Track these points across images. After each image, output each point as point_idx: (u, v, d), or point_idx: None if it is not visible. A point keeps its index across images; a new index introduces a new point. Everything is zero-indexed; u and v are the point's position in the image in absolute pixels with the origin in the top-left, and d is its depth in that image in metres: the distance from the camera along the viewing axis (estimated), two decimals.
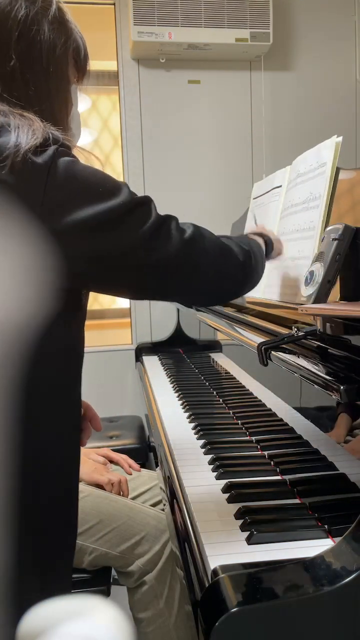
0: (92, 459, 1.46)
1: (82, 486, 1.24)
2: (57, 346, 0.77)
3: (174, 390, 1.64)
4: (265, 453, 1.04)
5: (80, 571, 1.23)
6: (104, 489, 1.31)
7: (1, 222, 0.67)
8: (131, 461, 1.50)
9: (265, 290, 1.26)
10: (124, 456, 1.50)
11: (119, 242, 0.72)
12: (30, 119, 0.73)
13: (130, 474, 1.46)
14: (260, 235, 1.03)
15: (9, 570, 0.73)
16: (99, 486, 1.31)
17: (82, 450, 1.44)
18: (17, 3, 0.77)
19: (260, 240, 1.00)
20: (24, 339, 0.72)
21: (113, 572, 1.33)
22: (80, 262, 0.72)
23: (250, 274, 0.88)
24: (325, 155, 1.13)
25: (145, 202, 0.76)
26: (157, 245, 0.74)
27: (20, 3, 0.77)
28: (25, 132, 0.70)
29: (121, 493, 1.34)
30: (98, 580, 1.24)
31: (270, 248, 1.04)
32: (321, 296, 0.93)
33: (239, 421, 1.25)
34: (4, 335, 0.71)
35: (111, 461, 1.49)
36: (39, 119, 0.74)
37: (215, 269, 0.81)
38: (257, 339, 1.15)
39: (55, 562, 0.82)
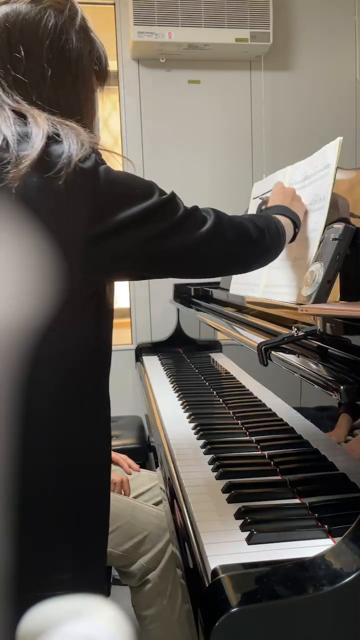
0: None
1: None
2: (88, 342, 0.80)
3: (174, 390, 1.64)
4: (265, 453, 1.04)
5: None
6: None
7: (54, 228, 0.70)
8: (130, 461, 1.50)
9: (266, 290, 1.26)
10: (124, 456, 1.50)
11: (157, 234, 0.77)
12: (76, 128, 0.76)
13: (130, 474, 1.46)
14: (288, 215, 1.06)
15: (9, 570, 0.73)
16: None
17: None
18: (46, 12, 0.78)
19: (285, 221, 1.03)
20: (64, 338, 0.76)
21: (114, 572, 1.33)
22: (127, 256, 0.77)
23: (262, 252, 0.93)
24: (330, 157, 1.13)
25: (173, 198, 0.82)
26: (186, 232, 0.80)
27: (49, 12, 0.79)
28: (75, 142, 0.73)
29: (122, 492, 1.34)
30: None
31: (298, 224, 1.08)
32: (321, 296, 0.93)
33: (239, 421, 1.25)
34: (49, 335, 0.73)
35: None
36: (81, 128, 0.77)
37: (233, 249, 0.87)
38: (257, 339, 1.15)
39: (92, 555, 0.83)
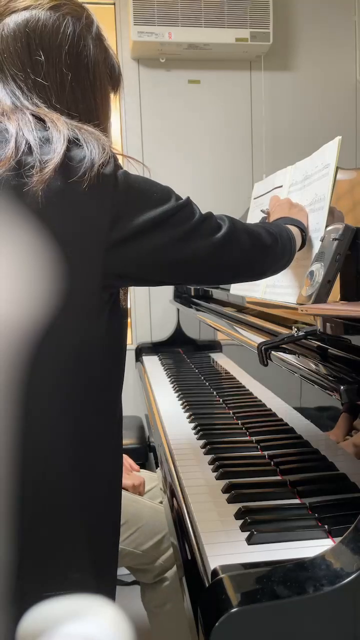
0: None
1: None
2: (104, 343, 0.80)
3: (174, 390, 1.64)
4: (266, 453, 1.04)
5: None
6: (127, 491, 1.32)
7: (76, 232, 0.71)
8: (131, 461, 1.50)
9: (267, 290, 1.26)
10: (125, 456, 1.51)
11: (174, 238, 0.78)
12: (95, 133, 0.77)
13: (130, 473, 1.46)
14: (297, 225, 1.07)
15: (9, 570, 0.73)
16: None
17: None
18: (64, 19, 0.80)
19: (294, 229, 1.04)
20: (81, 340, 0.76)
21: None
22: (144, 261, 0.77)
23: (276, 259, 0.94)
24: (329, 156, 1.13)
25: (189, 203, 0.83)
26: (202, 238, 0.81)
27: (67, 19, 0.80)
28: (96, 147, 0.74)
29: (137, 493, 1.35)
30: None
31: (306, 231, 1.09)
32: (321, 296, 0.93)
33: (239, 421, 1.25)
34: (60, 337, 0.73)
35: None
36: (100, 132, 0.78)
37: (248, 256, 0.88)
38: (257, 339, 1.15)
39: (105, 556, 0.83)
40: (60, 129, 0.74)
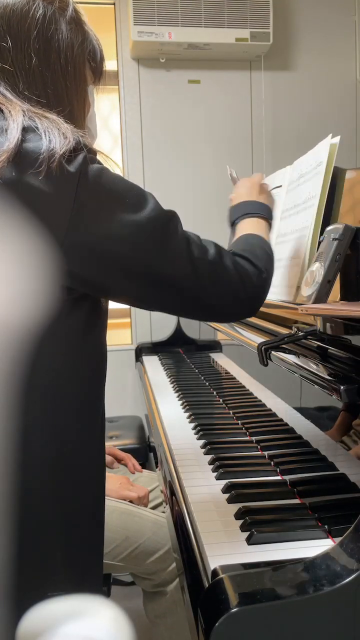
0: (111, 476, 1.45)
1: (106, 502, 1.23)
2: (81, 351, 0.77)
3: (174, 390, 1.64)
4: (266, 453, 1.04)
5: None
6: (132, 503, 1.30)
7: (30, 229, 0.66)
8: (134, 461, 1.50)
9: None
10: (129, 456, 1.50)
11: (140, 254, 0.72)
12: (55, 121, 0.72)
13: (134, 473, 1.46)
14: (263, 216, 0.98)
15: (9, 570, 0.73)
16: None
17: None
18: (34, 3, 0.77)
19: (264, 226, 0.96)
20: (52, 344, 0.73)
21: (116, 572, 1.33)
22: (101, 271, 0.72)
23: (260, 296, 0.85)
24: (322, 155, 1.13)
25: (171, 218, 0.76)
26: (178, 261, 0.74)
27: (37, 3, 0.78)
28: (56, 135, 0.69)
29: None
30: None
31: (270, 217, 1.00)
32: (321, 296, 0.93)
33: (239, 421, 1.25)
34: (29, 342, 0.70)
35: (117, 460, 1.48)
36: (62, 120, 0.74)
37: (229, 291, 0.79)
38: (257, 339, 1.15)
39: (87, 560, 0.82)
40: (15, 117, 0.70)
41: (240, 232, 0.94)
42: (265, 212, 0.99)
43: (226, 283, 0.78)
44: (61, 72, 0.79)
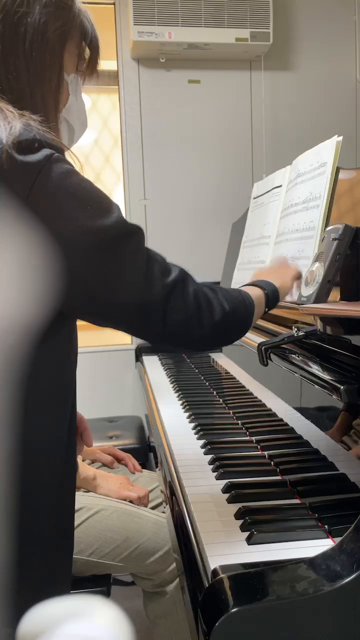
0: (97, 458, 1.45)
1: (105, 502, 1.23)
2: (48, 351, 0.74)
3: (174, 390, 1.64)
4: (266, 453, 1.04)
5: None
6: (132, 503, 1.29)
7: None
8: (134, 461, 1.50)
9: None
10: (129, 455, 1.50)
11: (92, 269, 0.68)
12: (3, 111, 0.68)
13: (134, 473, 1.46)
14: (261, 287, 0.94)
15: (9, 570, 0.73)
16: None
17: (87, 449, 1.44)
18: None
19: (258, 293, 0.91)
20: (17, 344, 0.70)
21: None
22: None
23: (222, 334, 0.81)
24: (326, 155, 1.13)
25: (133, 233, 0.72)
26: (127, 277, 0.70)
27: None
28: (2, 125, 0.66)
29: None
30: (98, 581, 1.24)
31: (272, 299, 0.94)
32: (321, 296, 0.93)
33: (239, 421, 1.25)
34: None
35: (117, 460, 1.48)
36: (11, 107, 0.70)
37: (189, 318, 0.75)
38: (257, 339, 1.15)
39: (55, 569, 0.82)
40: None
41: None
42: (268, 288, 0.94)
43: (180, 310, 0.74)
44: (24, 58, 0.74)
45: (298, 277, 1.05)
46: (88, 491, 1.28)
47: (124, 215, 0.72)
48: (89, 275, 0.69)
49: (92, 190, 0.70)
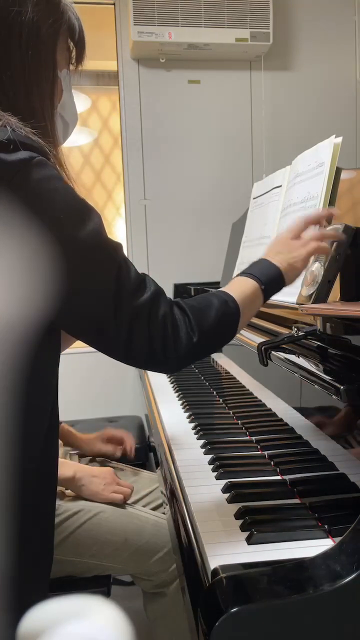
0: (101, 452, 1.43)
1: (101, 505, 1.21)
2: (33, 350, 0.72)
3: (174, 390, 1.64)
4: (265, 453, 1.04)
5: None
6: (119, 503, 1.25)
7: None
8: (132, 440, 1.45)
9: None
10: (126, 433, 1.46)
11: (62, 277, 0.66)
12: None
13: (130, 454, 1.44)
14: (257, 278, 0.85)
15: (9, 571, 0.73)
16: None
17: (89, 443, 1.42)
18: None
19: (252, 289, 0.84)
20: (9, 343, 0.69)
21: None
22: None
23: (190, 360, 0.77)
24: (324, 155, 1.13)
25: (106, 248, 0.70)
26: (96, 292, 0.69)
27: None
28: None
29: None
30: (98, 581, 1.24)
31: (271, 288, 0.86)
32: (321, 296, 0.93)
33: (239, 421, 1.25)
34: None
35: (116, 442, 1.45)
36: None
37: (152, 349, 0.73)
38: (257, 339, 1.16)
39: (32, 570, 0.81)
40: None
41: (227, 285, 0.87)
42: (265, 279, 0.85)
43: (144, 338, 0.71)
44: (19, 56, 0.74)
45: (314, 251, 0.90)
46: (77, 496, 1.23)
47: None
48: (56, 285, 0.67)
49: (70, 199, 0.69)
